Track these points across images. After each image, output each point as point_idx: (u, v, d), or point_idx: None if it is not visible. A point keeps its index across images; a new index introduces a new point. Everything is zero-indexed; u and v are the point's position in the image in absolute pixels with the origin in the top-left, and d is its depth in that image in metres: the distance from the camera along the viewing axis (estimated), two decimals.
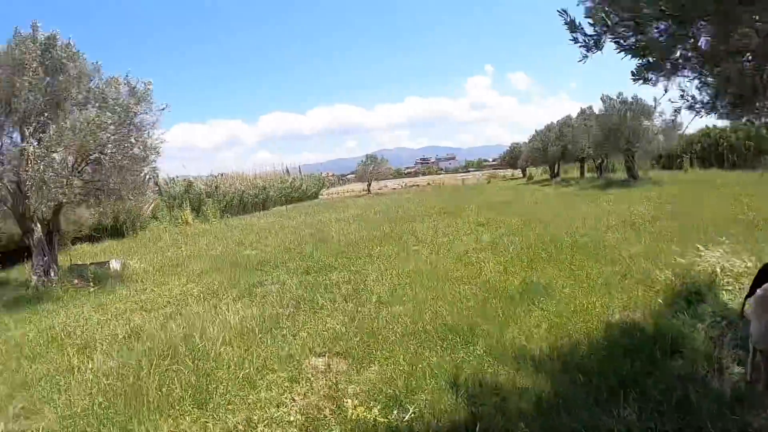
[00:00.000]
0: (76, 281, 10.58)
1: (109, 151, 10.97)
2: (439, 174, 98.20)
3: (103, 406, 4.67)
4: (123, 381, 5.20)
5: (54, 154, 9.90)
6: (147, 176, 12.05)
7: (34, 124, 10.26)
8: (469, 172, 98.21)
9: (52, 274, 10.72)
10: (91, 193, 11.56)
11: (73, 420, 4.49)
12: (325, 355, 5.58)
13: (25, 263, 15.25)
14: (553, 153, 38.98)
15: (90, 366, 5.78)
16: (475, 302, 6.97)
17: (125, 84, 11.02)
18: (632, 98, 27.38)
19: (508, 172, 65.23)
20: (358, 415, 4.15)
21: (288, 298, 8.09)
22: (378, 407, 4.25)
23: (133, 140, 10.85)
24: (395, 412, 4.19)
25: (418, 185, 56.33)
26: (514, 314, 6.36)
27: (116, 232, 20.51)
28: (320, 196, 45.78)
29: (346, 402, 4.38)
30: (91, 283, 10.33)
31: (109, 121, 9.98)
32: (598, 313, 6.09)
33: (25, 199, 10.27)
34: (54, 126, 9.85)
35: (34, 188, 9.75)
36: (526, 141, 49.57)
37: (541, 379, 4.57)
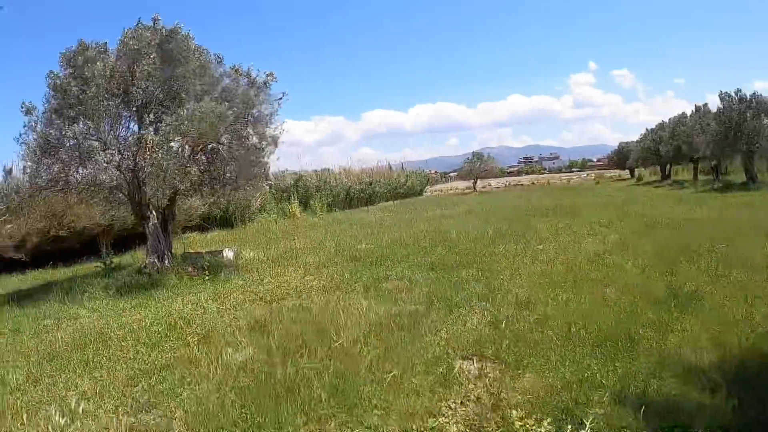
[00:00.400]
0: (190, 269, 10.59)
1: (225, 141, 10.98)
2: (543, 173, 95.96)
3: (235, 404, 4.26)
4: (255, 377, 4.82)
5: (172, 143, 9.96)
6: (264, 167, 11.95)
7: (152, 113, 10.28)
8: (572, 172, 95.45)
9: (167, 261, 10.74)
10: (205, 182, 11.60)
11: (203, 418, 4.09)
12: (473, 359, 5.01)
13: (137, 249, 15.65)
14: (665, 153, 36.93)
15: (215, 358, 5.43)
16: (623, 306, 6.29)
17: (245, 75, 11.00)
18: (751, 96, 25.47)
19: (615, 172, 62.68)
20: (527, 429, 3.60)
21: (418, 295, 7.49)
22: (548, 420, 3.66)
23: (250, 131, 10.83)
24: (569, 427, 3.57)
25: (522, 184, 55.04)
26: (669, 321, 5.65)
27: (225, 222, 20.83)
28: (424, 193, 45.38)
29: (511, 413, 3.80)
30: (206, 272, 10.25)
31: (229, 113, 9.93)
32: (756, 325, 5.36)
33: (141, 186, 10.39)
34: (174, 115, 9.89)
35: (151, 176, 9.84)
36: (635, 140, 47.34)
37: (718, 397, 3.89)
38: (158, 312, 7.79)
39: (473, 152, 46.49)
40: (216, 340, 6.13)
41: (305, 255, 12.19)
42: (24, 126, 9.83)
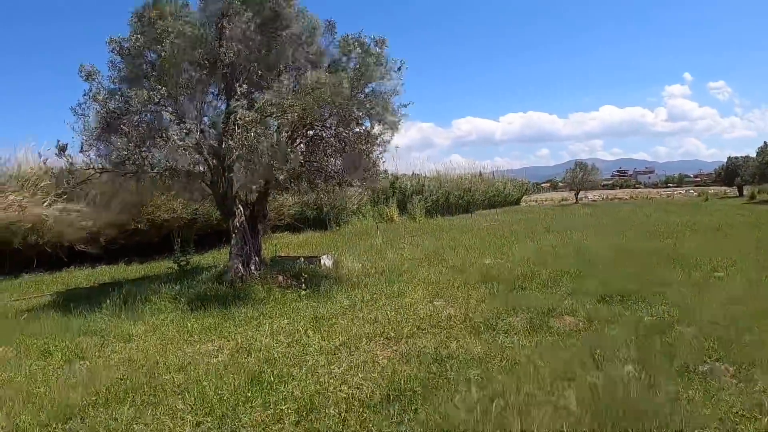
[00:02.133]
0: (280, 278, 8.41)
1: (332, 124, 8.81)
2: (638, 188, 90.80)
3: None
4: None
5: (270, 119, 7.81)
6: (376, 160, 9.52)
7: (245, 83, 8.07)
8: (668, 187, 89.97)
9: (253, 268, 8.53)
10: (303, 175, 9.47)
11: None
12: None
13: (222, 248, 13.87)
14: None
15: None
16: None
17: (356, 44, 8.65)
18: None
19: (718, 189, 57.30)
20: None
21: (613, 344, 4.84)
22: None
23: (363, 112, 8.56)
24: None
25: (620, 198, 51.33)
26: None
27: (318, 223, 18.76)
28: (521, 203, 42.36)
29: None
30: (302, 283, 7.97)
31: (345, 84, 7.70)
32: None
33: (227, 173, 8.31)
34: (274, 86, 7.73)
35: (241, 160, 7.73)
36: (748, 155, 42.69)
37: None
38: (237, 344, 5.49)
39: (575, 161, 42.95)
40: (324, 420, 3.62)
41: (420, 268, 9.79)
42: (84, 94, 7.82)
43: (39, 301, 8.58)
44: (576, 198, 43.58)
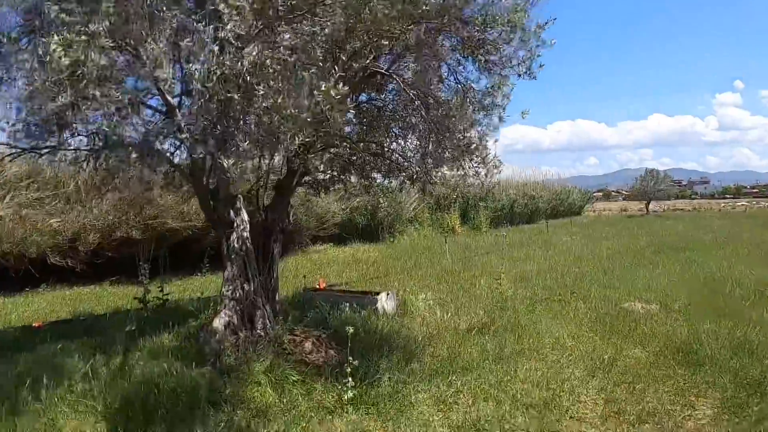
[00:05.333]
0: (308, 345, 4.46)
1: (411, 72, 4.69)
2: (694, 198, 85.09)
3: None
4: None
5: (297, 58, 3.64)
6: (479, 141, 5.18)
7: None
8: (725, 198, 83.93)
9: (260, 326, 4.61)
10: (357, 163, 5.54)
11: None
12: None
13: (209, 275, 10.00)
14: None
15: None
16: None
17: None
18: None
19: None
20: None
21: None
22: None
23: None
24: None
25: (682, 209, 46.19)
26: None
27: (368, 234, 14.78)
28: (583, 213, 37.50)
29: None
30: (349, 370, 3.82)
31: None
32: None
33: (214, 152, 4.27)
34: None
35: (241, 119, 3.65)
36: None
37: None
38: None
39: (646, 169, 37.99)
40: None
41: (545, 316, 5.75)
42: None
43: None
44: (647, 209, 38.55)
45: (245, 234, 4.65)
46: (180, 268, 9.80)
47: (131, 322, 5.33)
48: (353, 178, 5.99)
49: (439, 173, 5.16)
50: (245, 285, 4.55)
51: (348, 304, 5.58)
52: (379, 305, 5.73)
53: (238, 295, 4.50)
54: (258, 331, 4.50)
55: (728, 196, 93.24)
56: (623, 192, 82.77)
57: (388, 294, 5.99)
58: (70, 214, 9.06)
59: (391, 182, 5.85)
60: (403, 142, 5.44)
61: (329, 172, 5.48)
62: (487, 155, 4.67)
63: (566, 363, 4.36)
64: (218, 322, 4.38)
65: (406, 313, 5.86)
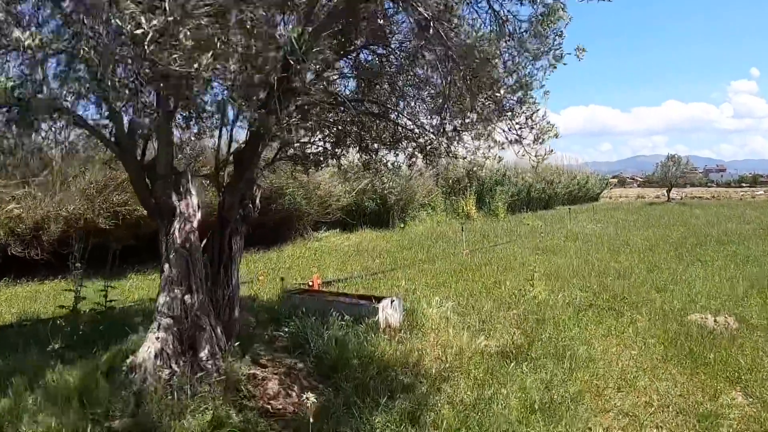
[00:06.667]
0: (273, 385, 3.05)
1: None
2: (710, 186, 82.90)
3: None
4: None
5: None
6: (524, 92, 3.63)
7: None
8: (742, 186, 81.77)
9: (205, 354, 3.19)
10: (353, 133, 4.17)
11: None
12: None
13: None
14: None
15: None
16: None
17: None
18: None
19: None
20: None
21: None
22: None
23: None
24: None
25: (699, 196, 44.28)
26: None
27: (377, 219, 13.33)
28: (601, 199, 35.83)
29: None
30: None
31: None
32: None
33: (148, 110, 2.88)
34: None
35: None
36: None
37: None
38: None
39: (668, 154, 36.10)
40: None
41: (599, 337, 4.37)
42: None
43: None
44: (668, 195, 36.70)
45: (189, 225, 3.25)
46: (156, 261, 8.48)
47: (57, 339, 4.00)
48: (350, 151, 4.59)
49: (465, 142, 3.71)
50: (187, 297, 3.16)
51: (342, 311, 4.21)
52: (380, 317, 4.31)
53: (176, 311, 3.12)
54: (203, 362, 3.11)
55: (744, 184, 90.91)
56: (638, 179, 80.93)
57: (392, 301, 4.56)
58: (32, 200, 7.81)
59: (397, 155, 4.40)
60: (413, 102, 4.02)
61: (313, 140, 4.06)
62: (535, 113, 3.20)
63: (647, 418, 2.95)
64: (145, 351, 2.99)
65: (415, 326, 4.44)
